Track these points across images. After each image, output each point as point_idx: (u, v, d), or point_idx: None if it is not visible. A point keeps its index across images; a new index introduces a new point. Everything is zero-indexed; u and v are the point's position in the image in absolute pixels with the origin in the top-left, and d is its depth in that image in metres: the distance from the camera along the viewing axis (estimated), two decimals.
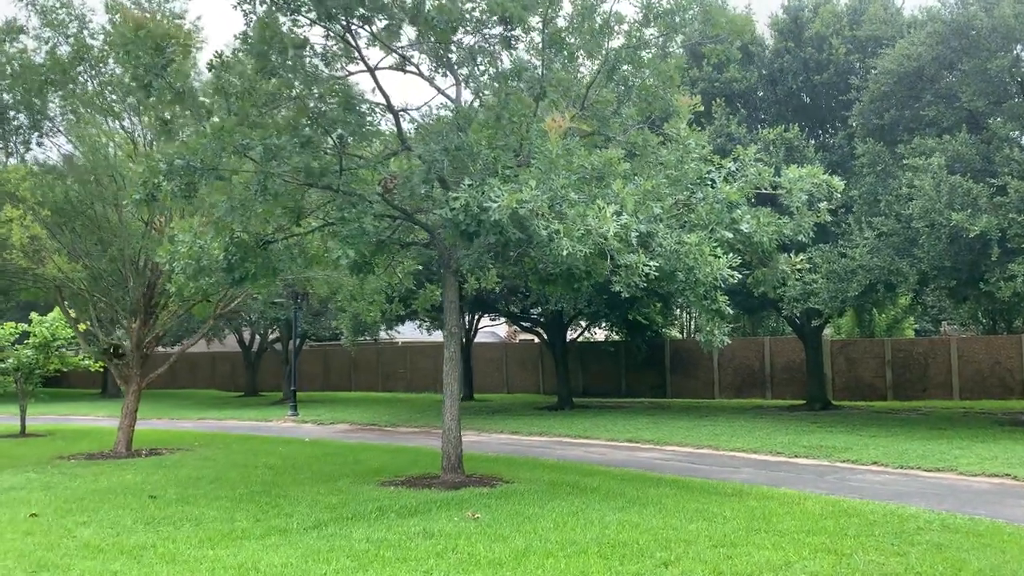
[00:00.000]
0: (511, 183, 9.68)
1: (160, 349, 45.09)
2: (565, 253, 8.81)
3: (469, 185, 9.59)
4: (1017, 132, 18.66)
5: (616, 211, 9.42)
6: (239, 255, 11.83)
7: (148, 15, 11.56)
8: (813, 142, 22.76)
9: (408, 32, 13.17)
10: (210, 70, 10.42)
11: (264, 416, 30.03)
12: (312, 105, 10.23)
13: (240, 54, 10.40)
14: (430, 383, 38.69)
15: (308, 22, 11.71)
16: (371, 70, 11.91)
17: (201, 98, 10.82)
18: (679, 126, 11.75)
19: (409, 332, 44.80)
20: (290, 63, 10.06)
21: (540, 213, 9.01)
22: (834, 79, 22.92)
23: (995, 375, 28.61)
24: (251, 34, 9.89)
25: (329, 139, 10.69)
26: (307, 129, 10.22)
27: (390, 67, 13.25)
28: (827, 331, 31.33)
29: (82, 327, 21.96)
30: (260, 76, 10.06)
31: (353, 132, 10.82)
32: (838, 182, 11.90)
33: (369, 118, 11.29)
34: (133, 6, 14.32)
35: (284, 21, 11.14)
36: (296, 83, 10.53)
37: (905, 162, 17.91)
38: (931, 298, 29.03)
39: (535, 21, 12.46)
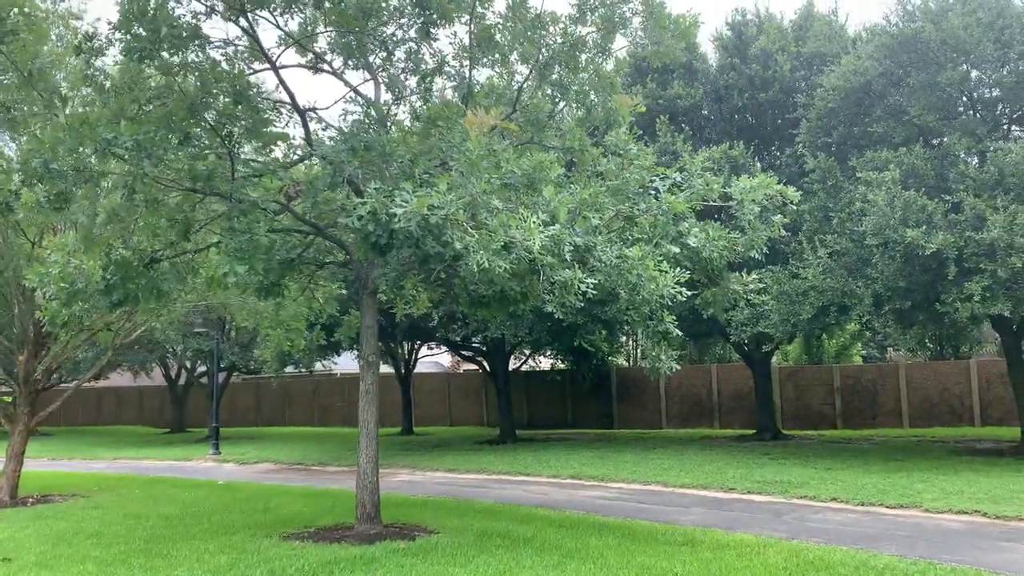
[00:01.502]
0: (426, 187, 8.33)
1: (83, 384, 42.36)
2: (477, 268, 7.47)
3: (377, 189, 8.21)
4: (963, 151, 17.99)
5: (545, 220, 8.14)
6: (119, 275, 10.24)
7: None
8: (760, 162, 21.96)
9: (325, 34, 11.91)
10: (78, 55, 8.90)
11: (185, 455, 27.93)
12: (198, 97, 8.72)
13: (113, 40, 8.88)
14: None
15: (204, 9, 10.31)
16: (272, 63, 10.50)
17: (67, 90, 9.25)
18: (620, 130, 10.58)
19: (346, 363, 42.89)
20: (168, 44, 8.56)
21: (455, 221, 7.67)
22: (780, 96, 22.22)
23: (944, 402, 28.03)
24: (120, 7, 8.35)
25: (217, 137, 9.21)
26: (192, 125, 8.72)
27: (299, 65, 11.91)
28: (774, 358, 30.53)
29: None
30: (129, 60, 8.55)
31: (248, 132, 9.37)
32: (793, 193, 10.86)
33: (268, 115, 9.85)
34: None
35: (175, 7, 9.68)
36: (178, 71, 9.01)
37: (859, 175, 17.07)
38: (878, 323, 28.43)
39: (464, 19, 11.26)
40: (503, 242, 7.72)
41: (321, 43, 12.09)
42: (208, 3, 10.19)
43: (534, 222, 7.73)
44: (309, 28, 11.74)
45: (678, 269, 9.80)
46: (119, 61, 10.10)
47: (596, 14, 11.08)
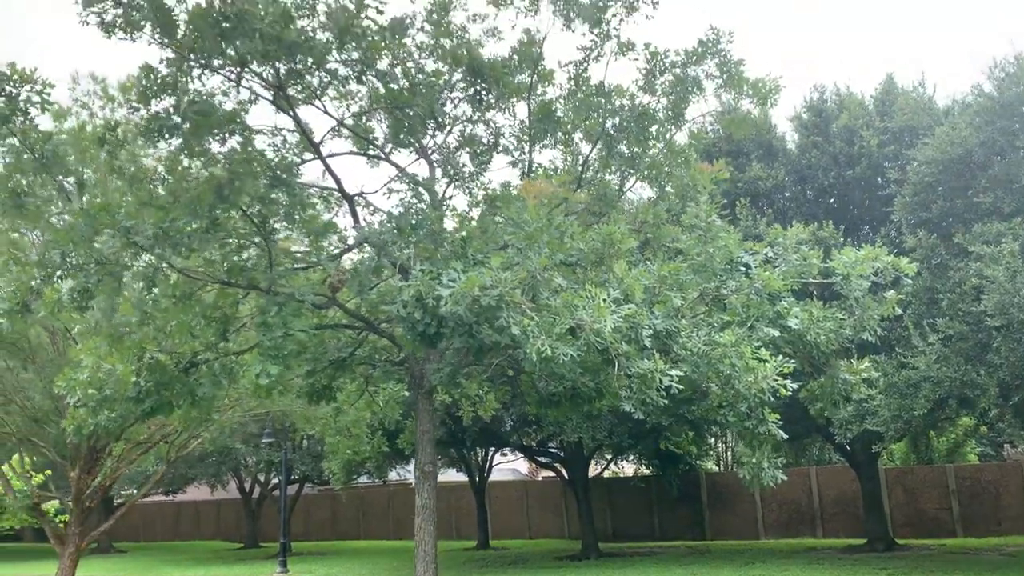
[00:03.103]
0: (479, 267, 7.23)
1: (161, 497, 41.95)
2: (538, 357, 6.24)
3: (422, 271, 7.16)
4: None
5: (617, 299, 6.91)
6: (152, 381, 9.35)
7: None
8: (852, 244, 20.37)
9: (379, 121, 11.27)
10: (101, 145, 8.27)
11: (254, 572, 26.71)
12: (227, 179, 7.93)
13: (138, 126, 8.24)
14: (443, 528, 35.11)
15: (249, 97, 9.73)
16: (320, 154, 9.74)
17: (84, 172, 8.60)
18: (701, 199, 9.40)
19: None
20: (192, 123, 7.84)
21: (511, 303, 6.51)
22: (868, 173, 20.81)
23: None
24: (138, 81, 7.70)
25: (252, 225, 8.37)
26: (222, 210, 7.91)
27: (350, 153, 11.22)
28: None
29: (37, 479, 19.32)
30: (149, 140, 7.86)
31: (287, 217, 8.53)
32: (908, 264, 9.39)
33: (310, 198, 9.02)
34: None
35: (208, 87, 9.07)
36: (202, 152, 8.28)
37: (970, 250, 15.35)
38: (994, 416, 25.74)
39: (521, 93, 10.44)
40: (568, 325, 6.49)
41: (377, 133, 11.45)
42: (254, 93, 9.64)
43: (603, 300, 6.49)
44: (364, 119, 11.12)
45: (780, 356, 8.37)
46: (163, 158, 9.57)
47: (665, 77, 10.09)
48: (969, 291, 15.49)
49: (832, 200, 22.01)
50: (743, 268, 9.22)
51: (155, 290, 7.66)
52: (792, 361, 8.57)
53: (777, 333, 8.60)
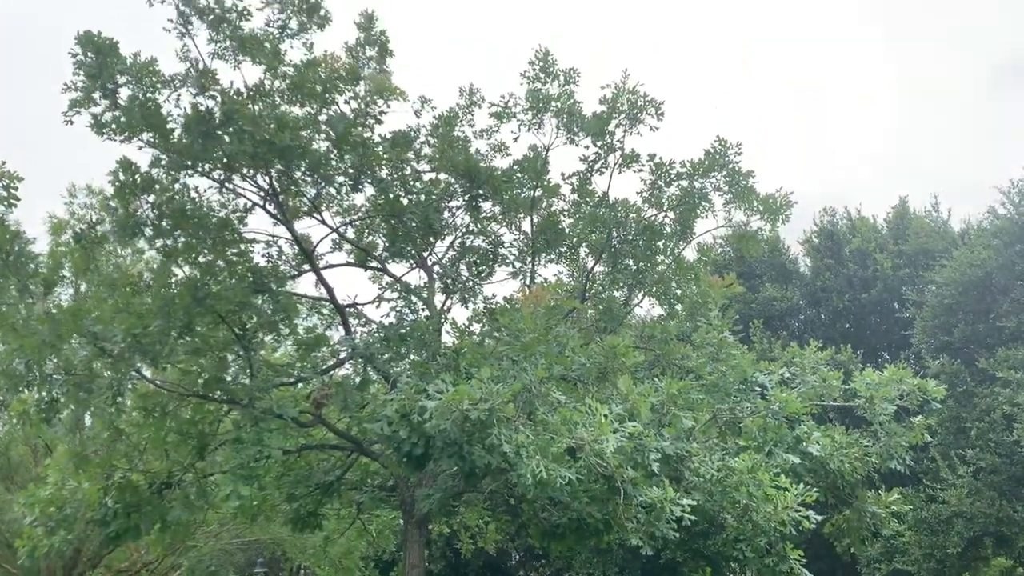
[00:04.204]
0: (471, 381, 6.66)
1: None
2: (533, 479, 5.58)
3: (407, 383, 6.60)
4: None
5: (619, 415, 6.29)
6: (121, 503, 8.64)
7: None
8: (872, 367, 19.67)
9: (379, 236, 11.00)
10: (77, 242, 7.91)
11: None
12: (202, 281, 7.50)
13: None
14: None
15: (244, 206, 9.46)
16: (310, 257, 9.39)
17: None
18: (711, 314, 8.88)
19: None
20: (170, 215, 7.47)
21: (504, 418, 5.90)
22: (884, 296, 20.34)
23: None
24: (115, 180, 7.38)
25: (231, 332, 7.88)
26: (197, 315, 7.42)
27: (347, 264, 10.86)
28: None
29: None
30: (121, 238, 7.49)
31: (270, 324, 8.05)
32: (936, 387, 8.74)
33: (298, 305, 8.57)
34: None
35: (206, 197, 8.80)
36: (181, 251, 7.89)
37: (999, 375, 14.64)
38: None
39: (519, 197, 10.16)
40: (566, 444, 5.85)
41: (377, 244, 11.17)
42: (248, 200, 9.39)
43: (605, 416, 5.87)
44: (366, 232, 10.86)
45: (801, 485, 7.64)
46: (153, 268, 9.22)
47: (671, 190, 9.78)
48: (999, 420, 14.70)
49: (848, 324, 21.49)
50: (758, 388, 8.60)
51: (121, 400, 7.12)
52: (815, 489, 7.82)
53: (797, 460, 7.89)
